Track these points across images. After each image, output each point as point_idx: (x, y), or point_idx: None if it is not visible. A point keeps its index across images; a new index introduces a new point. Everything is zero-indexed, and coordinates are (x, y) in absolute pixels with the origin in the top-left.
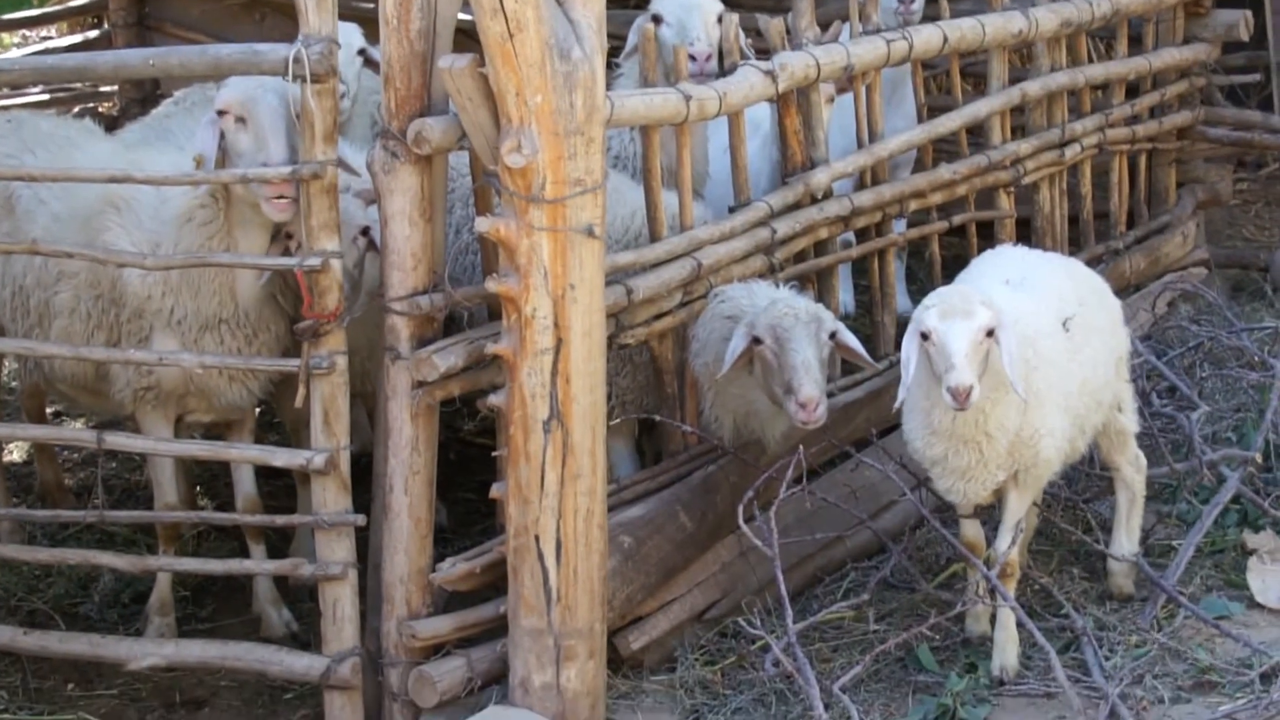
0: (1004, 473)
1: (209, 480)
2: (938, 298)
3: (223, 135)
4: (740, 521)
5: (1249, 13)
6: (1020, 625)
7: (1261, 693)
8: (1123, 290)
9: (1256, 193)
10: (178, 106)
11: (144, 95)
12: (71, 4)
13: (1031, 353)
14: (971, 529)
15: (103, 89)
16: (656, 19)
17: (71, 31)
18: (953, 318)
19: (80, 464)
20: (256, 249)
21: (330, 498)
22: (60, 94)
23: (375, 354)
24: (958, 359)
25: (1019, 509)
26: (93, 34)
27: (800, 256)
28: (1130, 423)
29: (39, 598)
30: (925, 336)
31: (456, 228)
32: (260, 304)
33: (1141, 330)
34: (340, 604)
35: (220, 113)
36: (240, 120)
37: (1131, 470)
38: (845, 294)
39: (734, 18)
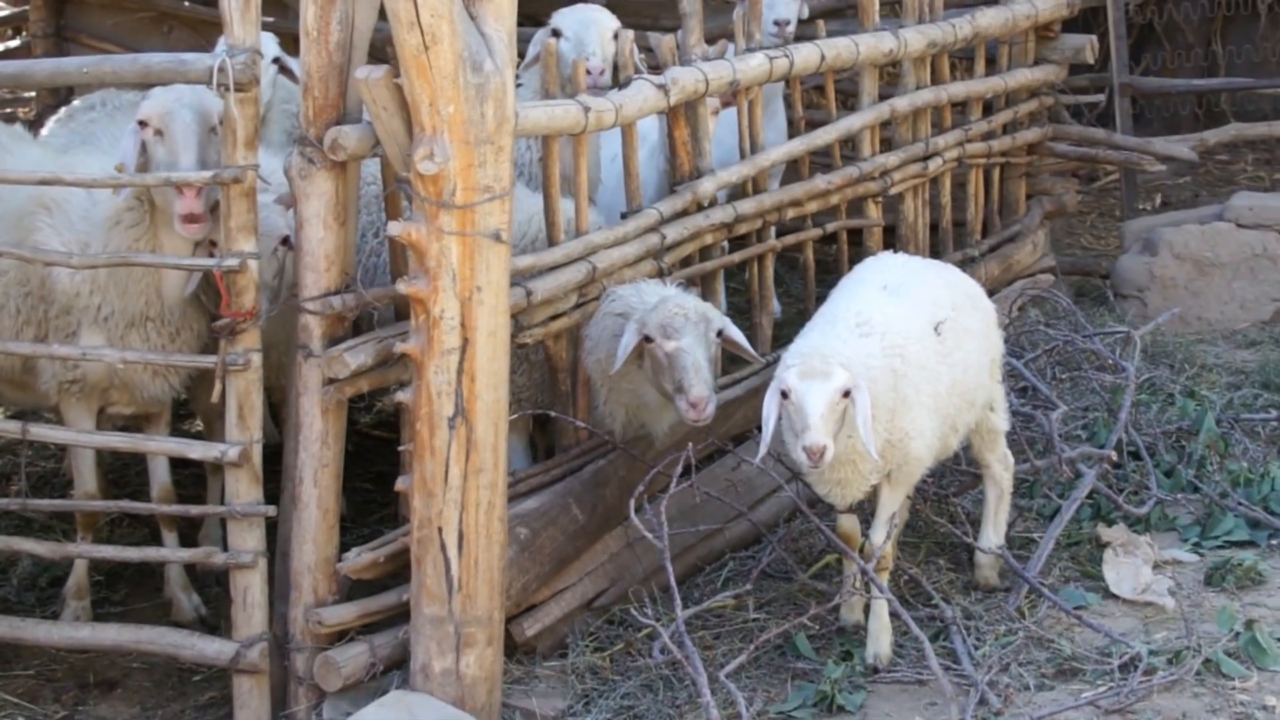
0: (878, 476)
1: (121, 469)
2: (798, 358)
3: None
4: (631, 514)
5: (1094, 38)
6: (893, 615)
7: (1121, 681)
8: None
9: (1091, 204)
10: (98, 111)
11: (59, 100)
12: None
13: (899, 360)
14: (848, 522)
15: (23, 94)
16: (556, 33)
17: None
18: (811, 379)
19: (23, 439)
20: (182, 252)
21: (242, 489)
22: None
23: (292, 349)
24: (813, 419)
25: (892, 504)
26: (13, 43)
27: (687, 261)
28: (1001, 422)
29: None
30: (785, 395)
31: (362, 232)
32: (184, 302)
33: None
34: (250, 591)
35: (141, 123)
36: (158, 132)
37: (1000, 468)
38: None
39: (629, 34)
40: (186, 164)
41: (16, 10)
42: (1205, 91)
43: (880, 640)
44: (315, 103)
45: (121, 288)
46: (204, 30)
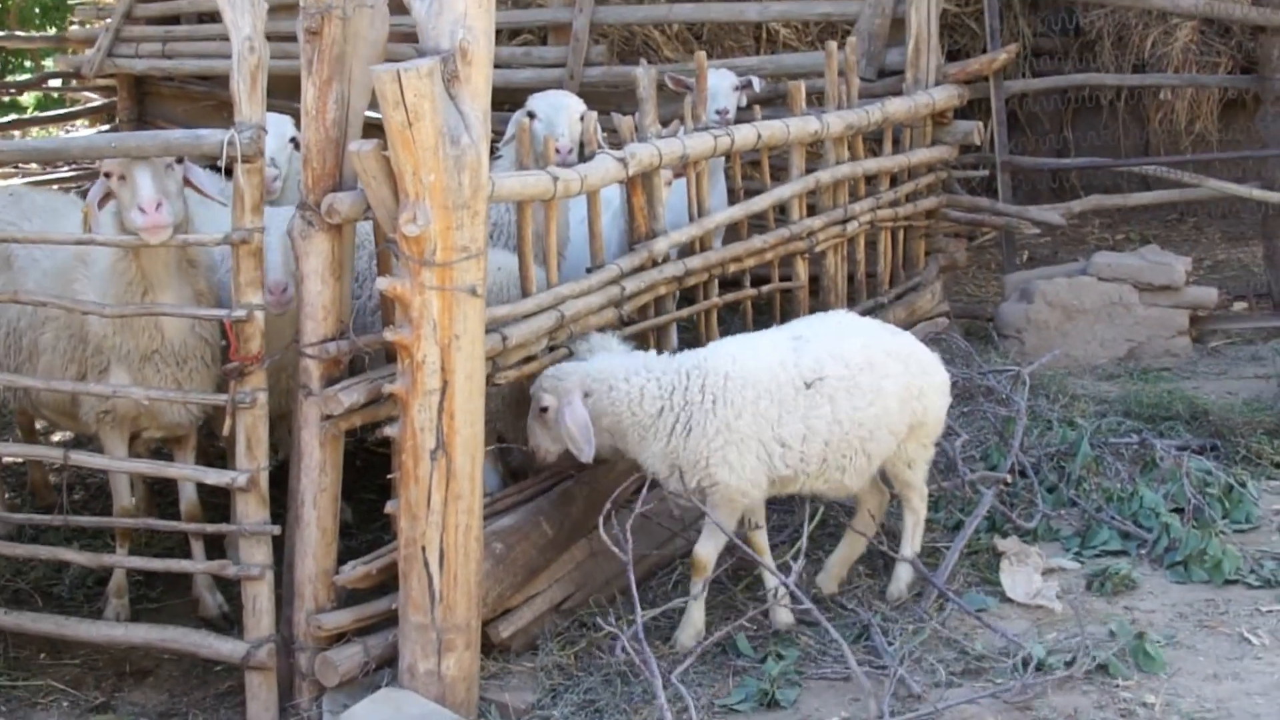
0: (675, 485)
1: (166, 482)
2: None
3: (110, 193)
4: (600, 530)
5: (980, 123)
6: (814, 624)
7: (1022, 679)
8: None
9: (973, 259)
10: None
11: None
12: (89, 105)
13: (708, 398)
14: (756, 538)
15: None
16: (531, 114)
17: (91, 126)
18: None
19: (64, 465)
20: (171, 292)
21: (251, 510)
22: (83, 170)
23: (294, 389)
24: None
25: (715, 520)
26: (105, 128)
27: (643, 310)
28: (915, 478)
29: (22, 579)
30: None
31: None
32: (184, 336)
33: None
34: (259, 599)
35: (106, 174)
36: (121, 178)
37: (916, 500)
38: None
39: (593, 115)
40: (145, 192)
41: (109, 100)
42: (1067, 168)
43: (685, 630)
44: (314, 172)
45: (132, 329)
46: None
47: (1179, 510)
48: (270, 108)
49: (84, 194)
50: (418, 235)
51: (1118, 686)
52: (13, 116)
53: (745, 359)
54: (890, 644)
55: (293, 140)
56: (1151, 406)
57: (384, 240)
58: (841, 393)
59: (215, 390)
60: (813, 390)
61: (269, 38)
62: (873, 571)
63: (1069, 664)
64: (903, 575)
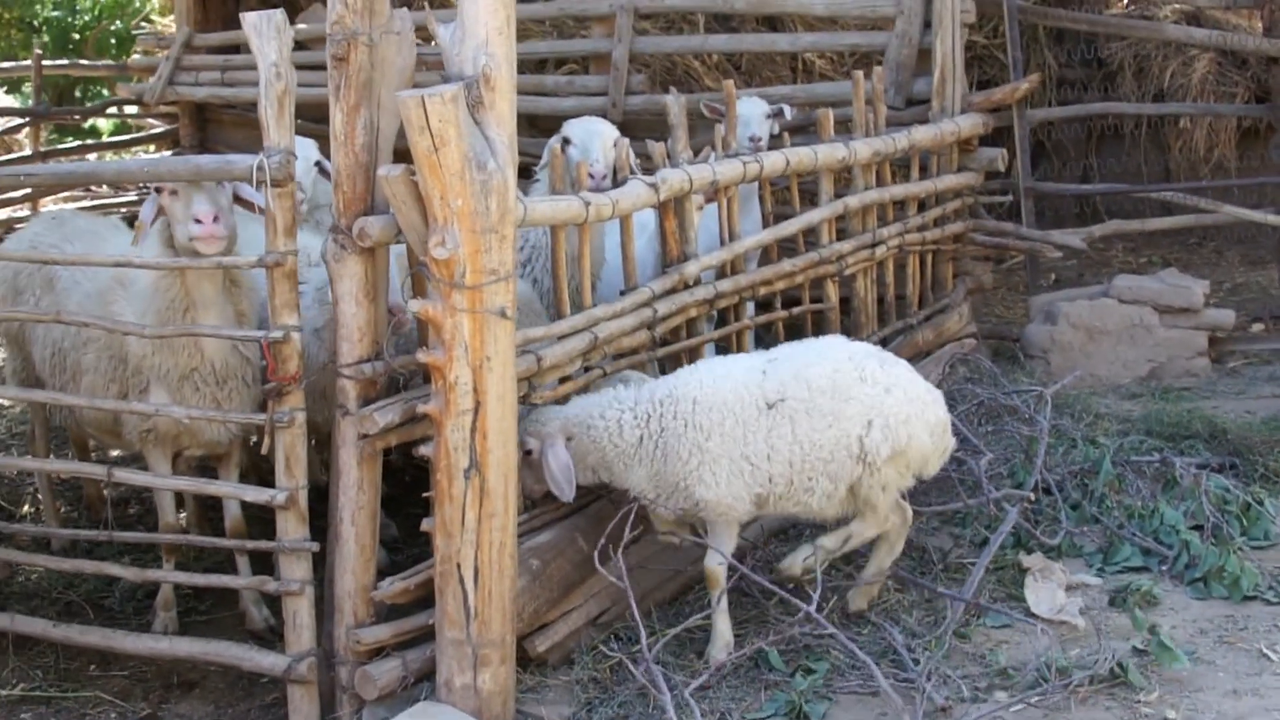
0: (666, 510)
1: (218, 497)
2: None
3: (162, 208)
4: (598, 566)
5: (1004, 150)
6: (833, 635)
7: (1045, 692)
8: (915, 357)
9: (1000, 281)
10: None
11: None
12: (153, 131)
13: (672, 420)
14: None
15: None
16: (566, 141)
17: (158, 151)
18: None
19: (108, 482)
20: (214, 311)
21: (290, 527)
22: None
23: (332, 409)
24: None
25: (715, 535)
26: (169, 153)
27: (676, 331)
28: (881, 501)
29: (74, 592)
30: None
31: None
32: (224, 356)
33: None
34: (299, 614)
35: (158, 190)
36: (173, 192)
37: (868, 521)
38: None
39: (626, 141)
40: (201, 205)
41: (171, 127)
42: (1089, 194)
43: (715, 644)
44: (344, 196)
45: (172, 348)
46: None
47: (1198, 527)
48: (309, 134)
49: (128, 220)
50: (447, 259)
51: (1139, 701)
52: (77, 143)
53: (712, 383)
54: (915, 661)
55: (317, 164)
56: (1172, 425)
57: (415, 264)
58: (801, 414)
59: (257, 409)
60: (774, 411)
61: (312, 68)
62: (902, 586)
63: (1094, 680)
64: (802, 552)
